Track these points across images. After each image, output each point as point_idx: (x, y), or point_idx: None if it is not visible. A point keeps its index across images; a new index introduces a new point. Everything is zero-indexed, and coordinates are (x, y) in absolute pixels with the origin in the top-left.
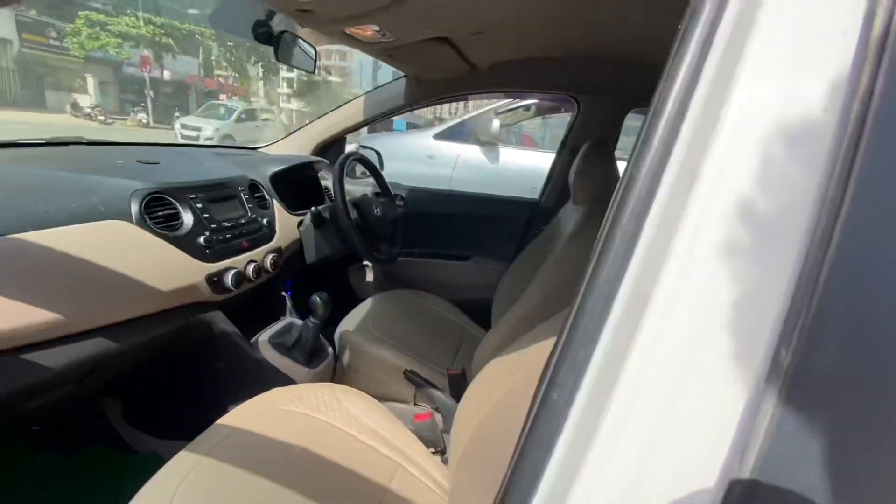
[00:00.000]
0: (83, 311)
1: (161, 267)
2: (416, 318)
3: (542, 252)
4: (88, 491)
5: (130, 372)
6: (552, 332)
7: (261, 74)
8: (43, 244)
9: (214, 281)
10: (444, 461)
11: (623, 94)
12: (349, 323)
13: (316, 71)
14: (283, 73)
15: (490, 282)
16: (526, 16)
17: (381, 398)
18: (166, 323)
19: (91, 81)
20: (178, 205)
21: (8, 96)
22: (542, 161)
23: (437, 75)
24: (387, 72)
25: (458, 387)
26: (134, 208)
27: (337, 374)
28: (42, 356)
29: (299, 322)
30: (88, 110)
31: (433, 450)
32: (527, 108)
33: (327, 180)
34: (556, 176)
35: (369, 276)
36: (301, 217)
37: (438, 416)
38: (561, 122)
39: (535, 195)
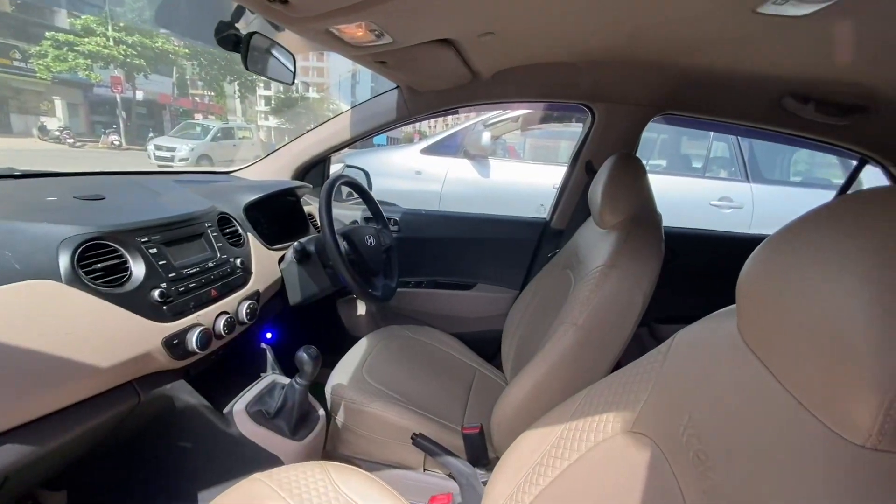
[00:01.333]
0: None
1: (101, 337)
2: (417, 359)
3: (560, 281)
4: None
5: (66, 466)
6: (627, 400)
7: (237, 93)
8: None
9: (174, 344)
10: None
11: (645, 101)
12: (342, 373)
13: (294, 84)
14: (261, 90)
15: (497, 312)
16: (546, 13)
17: (385, 464)
18: (109, 406)
19: (59, 104)
20: (125, 252)
21: None
22: (533, 173)
23: (435, 85)
24: (364, 88)
25: (474, 447)
26: (63, 262)
27: (330, 437)
28: None
29: (284, 380)
30: (57, 133)
31: None
32: (514, 119)
33: (311, 206)
34: (568, 194)
35: (361, 310)
36: (282, 252)
37: (454, 486)
38: (541, 133)
39: (542, 213)
